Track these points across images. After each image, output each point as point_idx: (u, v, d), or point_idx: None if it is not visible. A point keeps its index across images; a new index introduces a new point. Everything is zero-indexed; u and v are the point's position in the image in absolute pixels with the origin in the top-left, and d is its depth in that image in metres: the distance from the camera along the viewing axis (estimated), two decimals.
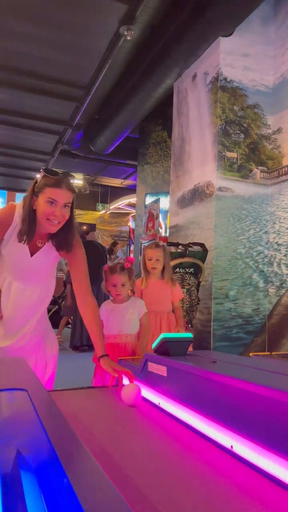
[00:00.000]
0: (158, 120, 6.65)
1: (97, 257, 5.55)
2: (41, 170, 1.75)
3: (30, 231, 1.76)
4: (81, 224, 12.12)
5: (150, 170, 6.99)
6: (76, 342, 5.29)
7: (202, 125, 4.21)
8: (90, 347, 5.02)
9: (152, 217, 5.82)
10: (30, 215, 1.75)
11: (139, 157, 7.34)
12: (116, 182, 11.69)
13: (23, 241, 1.77)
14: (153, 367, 1.42)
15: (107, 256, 6.11)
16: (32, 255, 1.83)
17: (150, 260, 2.68)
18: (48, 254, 1.86)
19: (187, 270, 3.33)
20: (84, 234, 6.37)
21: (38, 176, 1.76)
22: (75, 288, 1.93)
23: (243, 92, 4.00)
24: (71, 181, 1.78)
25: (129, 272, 2.28)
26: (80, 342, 5.28)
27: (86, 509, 0.43)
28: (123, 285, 2.24)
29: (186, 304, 3.30)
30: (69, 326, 5.99)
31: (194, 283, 3.37)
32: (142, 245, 5.85)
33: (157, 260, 2.67)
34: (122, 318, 2.25)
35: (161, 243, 2.78)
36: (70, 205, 1.76)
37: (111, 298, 2.34)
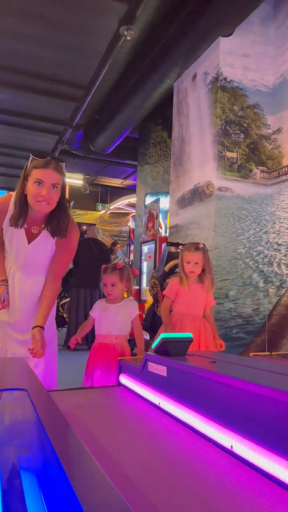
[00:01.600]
0: (158, 120, 6.65)
1: (90, 254, 5.34)
2: (30, 154, 1.79)
3: (21, 215, 1.80)
4: (81, 224, 12.12)
5: (150, 170, 6.98)
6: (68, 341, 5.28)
7: (202, 125, 4.20)
8: (88, 347, 5.02)
9: (152, 217, 5.81)
10: (21, 200, 1.80)
11: (139, 157, 7.34)
12: (116, 182, 11.69)
13: (15, 226, 1.81)
14: (153, 367, 1.42)
15: (107, 253, 5.93)
16: (29, 243, 1.87)
17: (188, 263, 2.51)
18: (45, 242, 1.89)
19: None
20: (84, 234, 6.22)
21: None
22: (51, 269, 1.94)
23: (243, 92, 4.00)
24: (61, 163, 1.81)
25: (121, 273, 2.24)
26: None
27: (86, 509, 0.43)
28: (113, 285, 2.22)
29: None
30: (65, 326, 5.95)
31: None
32: (142, 245, 5.83)
33: (196, 263, 2.50)
34: (114, 318, 2.24)
35: (201, 244, 2.58)
36: (58, 186, 1.77)
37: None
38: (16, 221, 1.81)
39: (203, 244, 2.60)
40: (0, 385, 1.00)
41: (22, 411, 0.87)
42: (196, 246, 2.55)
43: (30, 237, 1.87)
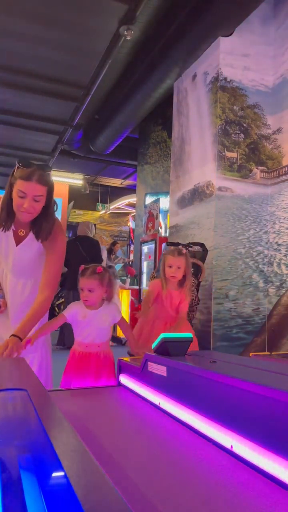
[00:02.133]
0: (158, 120, 6.65)
1: (77, 255, 5.06)
2: (16, 161, 1.80)
3: (8, 219, 1.83)
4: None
5: (150, 170, 6.98)
6: (68, 341, 5.25)
7: (202, 125, 4.20)
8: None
9: (152, 217, 5.81)
10: (8, 204, 1.82)
11: (139, 157, 7.34)
12: (116, 182, 11.69)
13: (3, 228, 1.84)
14: (153, 367, 1.42)
15: (96, 252, 5.55)
16: (17, 245, 1.89)
17: (170, 267, 2.47)
18: (32, 244, 1.91)
19: None
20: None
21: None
22: (42, 277, 1.92)
23: (243, 92, 4.00)
24: (46, 173, 1.80)
25: (101, 278, 2.01)
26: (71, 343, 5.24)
27: (86, 509, 0.43)
28: (90, 290, 1.99)
29: None
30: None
31: (194, 283, 3.37)
32: (142, 245, 5.83)
33: (178, 268, 2.46)
34: (97, 326, 2.04)
35: (184, 250, 2.55)
36: (41, 198, 1.80)
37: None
38: (3, 223, 1.84)
39: (186, 250, 2.57)
40: (0, 385, 1.00)
41: (22, 411, 0.87)
42: (179, 251, 2.51)
43: (18, 240, 1.90)
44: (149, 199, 6.52)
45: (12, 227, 1.88)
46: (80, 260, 4.98)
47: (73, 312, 2.04)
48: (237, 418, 0.96)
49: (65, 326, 5.18)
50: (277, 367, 1.26)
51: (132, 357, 2.05)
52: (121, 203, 12.50)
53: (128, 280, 6.61)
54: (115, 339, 5.59)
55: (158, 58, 4.58)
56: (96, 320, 2.03)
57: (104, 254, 5.82)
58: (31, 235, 1.90)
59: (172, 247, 2.67)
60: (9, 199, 1.82)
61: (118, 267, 7.61)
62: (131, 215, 11.95)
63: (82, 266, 2.07)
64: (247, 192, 3.95)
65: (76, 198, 11.15)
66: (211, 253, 3.71)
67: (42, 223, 1.87)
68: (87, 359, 2.03)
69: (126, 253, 12.14)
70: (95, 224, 6.04)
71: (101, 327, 2.05)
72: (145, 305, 2.56)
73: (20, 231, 1.90)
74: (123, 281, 6.52)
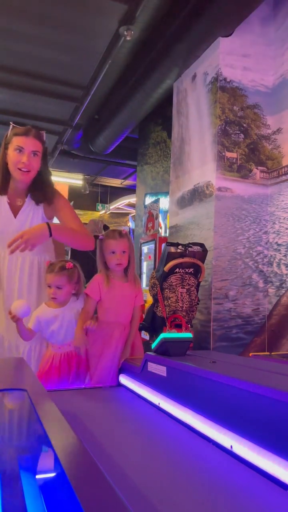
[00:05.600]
0: (158, 120, 6.65)
1: (85, 257, 4.91)
2: (10, 122, 1.84)
3: (4, 182, 1.84)
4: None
5: (150, 170, 6.98)
6: None
7: (202, 125, 4.20)
8: None
9: (151, 217, 5.81)
10: (3, 168, 1.84)
11: (139, 157, 7.34)
12: (116, 182, 11.69)
13: None
14: (153, 367, 1.42)
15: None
16: (16, 216, 1.88)
17: (113, 253, 2.03)
18: (30, 211, 1.90)
19: (187, 270, 3.32)
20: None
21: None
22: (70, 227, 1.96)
23: (243, 92, 4.00)
24: (41, 132, 1.85)
25: (70, 274, 1.90)
26: None
27: (85, 509, 0.43)
28: (58, 287, 1.88)
29: (186, 304, 3.30)
30: None
31: (194, 283, 3.36)
32: (142, 245, 5.83)
33: (123, 252, 2.03)
34: (70, 325, 1.92)
35: (125, 230, 2.15)
36: (39, 154, 1.81)
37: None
38: None
39: (126, 231, 2.18)
40: (0, 385, 1.00)
41: (22, 411, 0.88)
42: (120, 232, 2.10)
43: (16, 210, 1.89)
44: (149, 199, 6.51)
45: (7, 199, 1.86)
46: (87, 261, 4.86)
47: (41, 319, 1.90)
48: (237, 418, 0.96)
49: None
50: (277, 367, 1.27)
51: (134, 357, 2.04)
52: (121, 203, 12.49)
53: None
54: None
55: (158, 58, 4.58)
56: (67, 316, 1.93)
57: None
58: (28, 201, 1.89)
59: (110, 229, 2.26)
60: (3, 163, 1.83)
61: None
62: (131, 215, 11.94)
63: (48, 261, 1.95)
64: (246, 192, 3.95)
65: (76, 198, 11.14)
66: (211, 253, 3.71)
67: (43, 185, 1.88)
68: (68, 359, 1.91)
69: None
70: (106, 225, 5.48)
71: (75, 321, 1.95)
72: (85, 316, 1.98)
73: (18, 201, 1.89)
74: None
